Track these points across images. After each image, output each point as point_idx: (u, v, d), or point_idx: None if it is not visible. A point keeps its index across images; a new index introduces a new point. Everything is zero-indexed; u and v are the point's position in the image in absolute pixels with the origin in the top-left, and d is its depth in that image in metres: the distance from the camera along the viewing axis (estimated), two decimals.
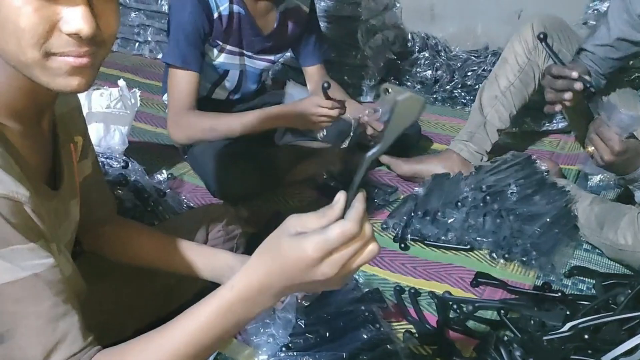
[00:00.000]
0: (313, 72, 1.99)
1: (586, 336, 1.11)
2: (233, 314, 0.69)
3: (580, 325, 1.13)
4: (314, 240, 0.63)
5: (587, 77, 1.55)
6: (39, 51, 0.64)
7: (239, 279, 0.69)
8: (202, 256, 1.06)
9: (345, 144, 1.84)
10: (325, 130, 1.74)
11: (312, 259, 0.64)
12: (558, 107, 1.61)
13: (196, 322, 0.69)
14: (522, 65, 1.80)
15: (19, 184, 0.66)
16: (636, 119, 1.31)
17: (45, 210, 0.71)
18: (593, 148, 1.36)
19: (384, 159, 1.88)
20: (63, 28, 0.64)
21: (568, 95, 1.52)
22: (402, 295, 1.36)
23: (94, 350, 0.70)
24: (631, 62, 1.88)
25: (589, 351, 1.11)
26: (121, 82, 1.82)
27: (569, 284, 1.42)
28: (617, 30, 1.58)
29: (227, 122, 1.65)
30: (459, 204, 1.54)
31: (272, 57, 1.85)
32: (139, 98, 1.81)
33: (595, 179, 1.74)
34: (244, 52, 1.76)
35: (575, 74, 1.51)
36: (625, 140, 1.31)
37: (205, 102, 1.75)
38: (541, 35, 1.64)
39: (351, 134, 1.81)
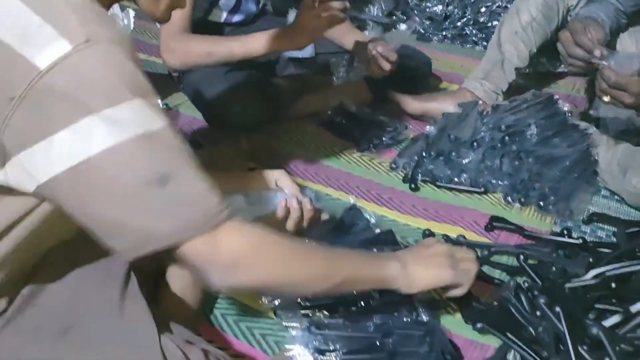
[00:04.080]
0: None
1: (613, 285, 1.04)
2: None
3: (607, 274, 1.06)
4: None
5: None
6: None
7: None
8: None
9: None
10: (342, 71, 1.60)
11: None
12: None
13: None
14: None
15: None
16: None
17: None
18: (610, 98, 1.30)
19: (393, 96, 1.77)
20: None
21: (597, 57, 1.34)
22: (413, 239, 1.29)
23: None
24: None
25: (614, 300, 1.05)
26: None
27: (587, 230, 1.36)
28: None
29: (227, 46, 1.52)
30: (475, 143, 1.44)
31: None
32: (132, 19, 1.67)
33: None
34: None
35: (597, 53, 1.32)
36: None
37: (201, 25, 1.61)
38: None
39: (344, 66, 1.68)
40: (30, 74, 0.56)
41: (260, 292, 0.76)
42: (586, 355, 0.92)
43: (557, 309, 0.97)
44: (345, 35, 1.79)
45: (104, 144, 0.58)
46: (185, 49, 1.54)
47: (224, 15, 1.72)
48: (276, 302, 1.06)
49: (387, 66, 1.60)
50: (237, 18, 1.74)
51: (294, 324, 1.00)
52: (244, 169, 1.20)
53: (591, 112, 1.65)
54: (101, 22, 0.62)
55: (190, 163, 0.64)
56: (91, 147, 0.58)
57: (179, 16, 1.52)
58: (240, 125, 1.55)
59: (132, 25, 1.68)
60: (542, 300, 1.00)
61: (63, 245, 0.77)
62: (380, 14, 2.41)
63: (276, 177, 1.12)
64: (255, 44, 1.49)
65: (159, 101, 0.66)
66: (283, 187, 1.08)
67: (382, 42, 1.67)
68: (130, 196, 0.60)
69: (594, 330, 0.91)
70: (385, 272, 0.85)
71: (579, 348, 0.93)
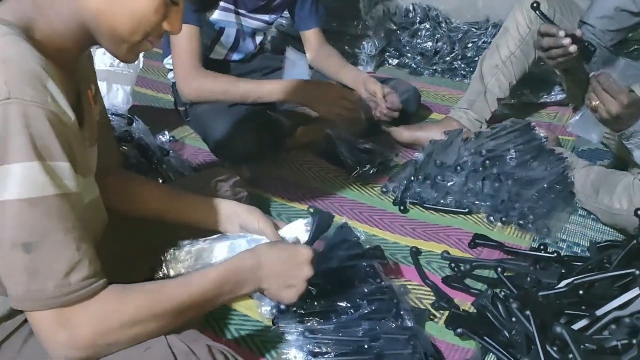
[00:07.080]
0: (310, 37, 1.97)
1: (580, 292, 1.14)
2: (234, 276, 0.86)
3: (575, 282, 1.16)
4: (306, 246, 0.95)
5: (578, 33, 1.46)
6: (140, 37, 0.77)
7: (244, 253, 0.90)
8: (207, 204, 1.08)
9: None
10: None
11: (307, 255, 0.91)
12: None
13: (197, 282, 0.83)
14: (524, 35, 1.82)
15: (69, 107, 0.72)
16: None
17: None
18: (597, 102, 1.32)
19: (385, 126, 1.89)
20: (165, 26, 0.78)
21: (573, 49, 1.42)
22: (402, 255, 1.40)
23: (105, 281, 0.74)
24: (630, 35, 1.89)
25: (583, 307, 1.14)
26: None
27: (564, 247, 1.46)
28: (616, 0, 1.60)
29: (243, 89, 1.65)
30: (459, 167, 1.56)
31: (266, 17, 1.83)
32: (141, 57, 1.81)
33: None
34: (239, 10, 1.76)
35: (562, 33, 1.42)
36: (632, 94, 1.29)
37: (205, 62, 1.75)
38: (535, 4, 1.56)
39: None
40: None
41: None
42: (554, 354, 1.01)
43: (527, 312, 1.07)
44: (339, 70, 1.92)
45: None
46: (203, 84, 1.67)
47: (224, 53, 1.86)
48: (274, 312, 1.17)
49: (390, 117, 1.80)
50: (236, 56, 1.88)
51: (290, 330, 1.10)
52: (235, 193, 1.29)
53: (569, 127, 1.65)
54: (28, 82, 0.67)
55: (62, 237, 0.69)
56: None
57: (190, 50, 1.64)
58: (242, 155, 1.67)
59: (141, 64, 1.83)
60: (514, 305, 1.10)
61: None
62: (374, 50, 2.56)
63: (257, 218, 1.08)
64: (269, 90, 1.65)
65: (67, 165, 0.70)
66: (264, 229, 1.05)
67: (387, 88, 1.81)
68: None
69: (558, 329, 1.00)
70: (242, 290, 0.88)
71: (548, 348, 1.02)
